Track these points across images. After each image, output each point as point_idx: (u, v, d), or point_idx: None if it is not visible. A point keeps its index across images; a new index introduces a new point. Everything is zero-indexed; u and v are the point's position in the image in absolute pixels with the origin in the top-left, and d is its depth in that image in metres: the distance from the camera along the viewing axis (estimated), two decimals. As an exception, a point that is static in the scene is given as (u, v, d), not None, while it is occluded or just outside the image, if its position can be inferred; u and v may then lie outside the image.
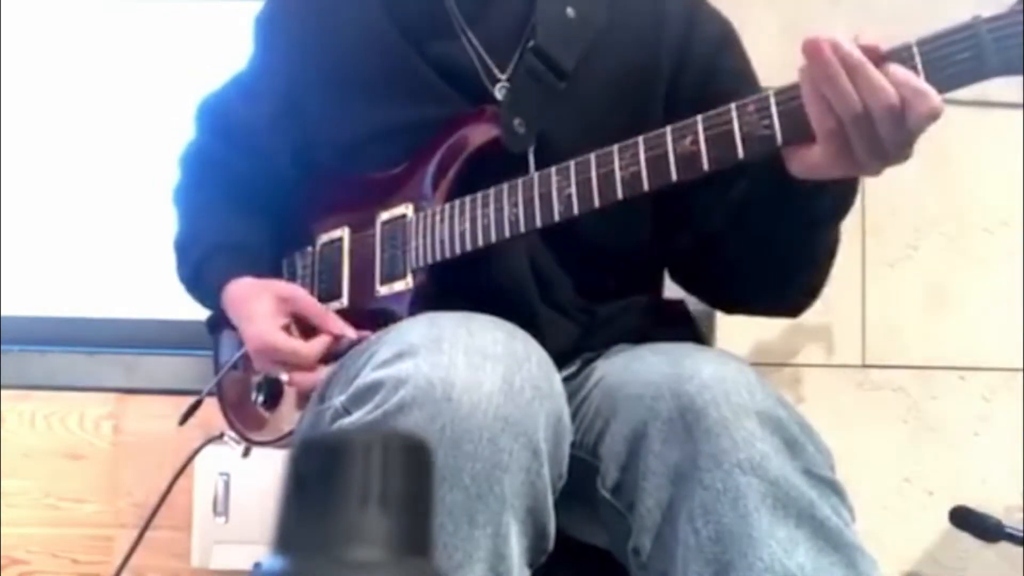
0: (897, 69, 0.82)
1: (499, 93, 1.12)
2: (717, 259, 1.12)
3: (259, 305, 1.14)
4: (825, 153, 0.86)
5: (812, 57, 0.84)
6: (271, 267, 1.25)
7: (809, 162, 0.88)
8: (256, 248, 1.26)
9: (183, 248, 1.29)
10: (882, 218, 1.71)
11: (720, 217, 1.07)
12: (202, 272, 1.25)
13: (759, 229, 1.02)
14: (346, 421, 0.90)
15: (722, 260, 1.11)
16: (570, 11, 1.13)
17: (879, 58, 0.83)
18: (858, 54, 0.82)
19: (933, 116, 0.81)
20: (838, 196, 0.96)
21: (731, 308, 1.23)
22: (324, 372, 1.08)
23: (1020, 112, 1.57)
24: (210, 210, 1.29)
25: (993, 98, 1.50)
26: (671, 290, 1.29)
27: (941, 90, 0.82)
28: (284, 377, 1.12)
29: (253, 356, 1.14)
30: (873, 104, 0.81)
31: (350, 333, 1.11)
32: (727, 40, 1.20)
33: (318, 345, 1.11)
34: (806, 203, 0.96)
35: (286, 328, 1.12)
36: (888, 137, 0.83)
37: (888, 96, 0.81)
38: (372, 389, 0.86)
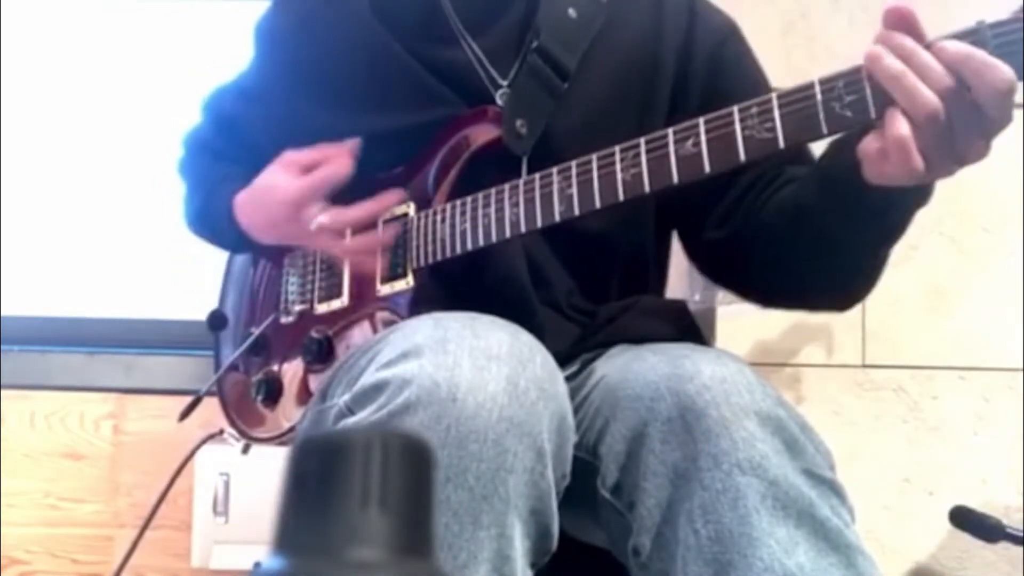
0: (952, 46, 0.78)
1: (501, 99, 1.13)
2: (760, 255, 1.09)
3: (269, 179, 1.14)
4: (897, 160, 0.81)
5: (873, 63, 0.80)
6: None
7: (881, 171, 0.84)
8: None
9: (190, 196, 1.32)
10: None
11: (763, 217, 1.06)
12: (211, 203, 1.25)
13: (819, 237, 0.99)
14: (350, 421, 0.89)
15: (767, 257, 1.08)
16: (571, 11, 1.14)
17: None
18: (910, 42, 0.79)
19: (1005, 89, 0.76)
20: (906, 211, 0.93)
21: (768, 303, 1.20)
22: (356, 212, 1.08)
23: (1020, 112, 1.57)
24: (213, 168, 1.31)
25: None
26: (671, 290, 1.30)
27: None
28: (323, 219, 1.08)
29: (289, 219, 1.11)
30: (939, 91, 0.78)
31: (349, 145, 1.11)
32: (730, 34, 1.19)
33: (335, 166, 1.10)
34: (873, 219, 0.93)
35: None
36: (961, 127, 0.78)
37: (944, 79, 0.78)
38: (377, 389, 0.86)
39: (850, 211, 0.93)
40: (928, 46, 0.79)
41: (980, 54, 0.77)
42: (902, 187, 0.86)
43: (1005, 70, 0.76)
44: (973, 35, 0.79)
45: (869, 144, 0.84)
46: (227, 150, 1.31)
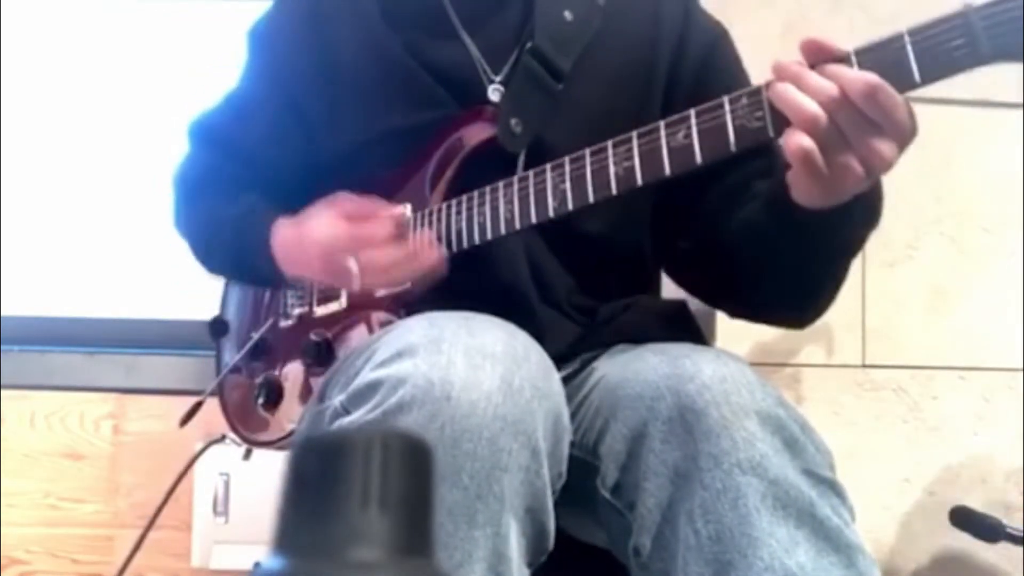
0: (828, 67, 0.83)
1: (493, 95, 1.13)
2: (725, 269, 1.11)
3: (312, 220, 1.09)
4: (803, 176, 0.86)
5: (767, 86, 0.86)
6: None
7: (798, 188, 0.89)
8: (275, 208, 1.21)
9: (211, 242, 1.25)
10: (882, 218, 1.71)
11: (728, 231, 1.07)
12: (242, 245, 1.19)
13: (774, 255, 1.02)
14: (345, 420, 0.90)
15: (731, 272, 1.10)
16: (567, 14, 1.14)
17: (821, 56, 0.84)
18: (794, 66, 0.84)
19: (871, 92, 0.81)
20: (853, 230, 0.96)
21: (734, 315, 1.22)
22: (388, 255, 1.04)
23: (1020, 112, 1.57)
24: (221, 203, 1.25)
25: (993, 98, 1.50)
26: (671, 290, 1.29)
27: (933, 78, 0.82)
28: (354, 268, 1.04)
29: (323, 262, 1.07)
30: (824, 103, 0.82)
31: (398, 210, 1.07)
32: (721, 41, 1.21)
33: (378, 224, 1.05)
34: (819, 239, 0.95)
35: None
36: (852, 131, 0.82)
37: (828, 90, 0.82)
38: (372, 388, 0.86)
39: (796, 232, 0.95)
40: (814, 66, 0.85)
41: (851, 70, 0.83)
42: (838, 206, 0.89)
43: (870, 76, 0.81)
44: (959, 17, 0.80)
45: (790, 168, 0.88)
46: (225, 165, 1.27)
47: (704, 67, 1.18)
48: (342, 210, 1.08)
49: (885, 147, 0.83)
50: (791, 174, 0.89)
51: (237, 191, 1.25)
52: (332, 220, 1.07)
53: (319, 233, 1.08)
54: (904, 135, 0.84)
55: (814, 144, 0.83)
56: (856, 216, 0.93)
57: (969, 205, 1.74)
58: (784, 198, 0.92)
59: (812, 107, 0.82)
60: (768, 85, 0.87)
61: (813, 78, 0.83)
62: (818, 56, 0.85)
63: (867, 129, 0.82)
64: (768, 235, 1.00)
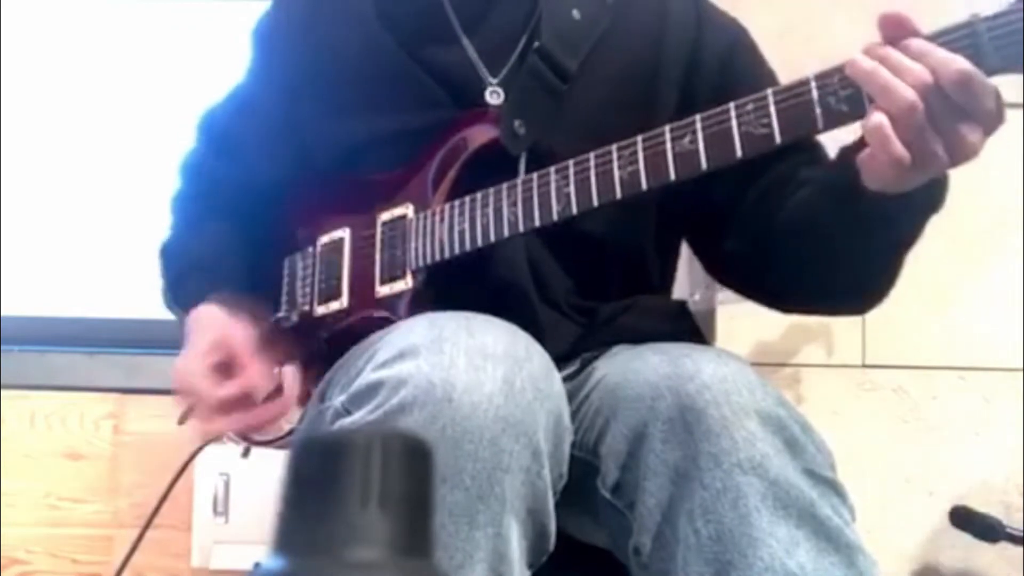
0: (915, 43, 0.81)
1: (491, 98, 1.13)
2: (777, 264, 1.09)
3: (199, 337, 1.11)
4: (883, 161, 0.83)
5: (849, 65, 0.83)
6: (246, 282, 1.22)
7: (873, 172, 0.86)
8: (230, 268, 1.24)
9: (168, 256, 1.28)
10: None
11: (780, 222, 1.05)
12: (178, 289, 1.23)
13: (830, 243, 0.99)
14: (346, 421, 0.90)
15: (784, 265, 1.08)
16: (575, 13, 1.13)
17: (900, 33, 0.81)
18: (878, 47, 0.82)
19: (961, 80, 0.78)
20: (915, 217, 0.94)
21: (789, 310, 1.21)
22: (227, 423, 1.07)
23: (1020, 112, 1.57)
24: (198, 225, 1.28)
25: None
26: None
27: None
28: (189, 404, 1.09)
29: (186, 377, 1.10)
30: (914, 85, 0.79)
31: (258, 386, 1.06)
32: (740, 42, 1.19)
33: (224, 390, 1.05)
34: (881, 227, 0.93)
35: (215, 367, 1.08)
36: (940, 118, 0.80)
37: (920, 75, 0.79)
38: (373, 389, 0.86)
39: (857, 220, 0.93)
40: (899, 45, 0.81)
41: (937, 49, 0.80)
42: (904, 192, 0.86)
43: (961, 62, 0.79)
44: (966, 27, 0.80)
45: (865, 151, 0.85)
46: (223, 172, 1.29)
47: (725, 70, 1.15)
48: (222, 353, 1.08)
49: (974, 136, 0.81)
50: (867, 157, 0.85)
51: (223, 207, 1.27)
52: (200, 359, 1.08)
53: (183, 359, 1.11)
54: (993, 124, 0.82)
55: (896, 130, 0.80)
56: (920, 203, 0.90)
57: (969, 205, 1.74)
58: (845, 184, 0.90)
59: (909, 94, 0.80)
60: (847, 64, 0.84)
61: (904, 60, 0.80)
62: (897, 32, 0.82)
63: (957, 116, 0.80)
64: (824, 222, 0.98)
